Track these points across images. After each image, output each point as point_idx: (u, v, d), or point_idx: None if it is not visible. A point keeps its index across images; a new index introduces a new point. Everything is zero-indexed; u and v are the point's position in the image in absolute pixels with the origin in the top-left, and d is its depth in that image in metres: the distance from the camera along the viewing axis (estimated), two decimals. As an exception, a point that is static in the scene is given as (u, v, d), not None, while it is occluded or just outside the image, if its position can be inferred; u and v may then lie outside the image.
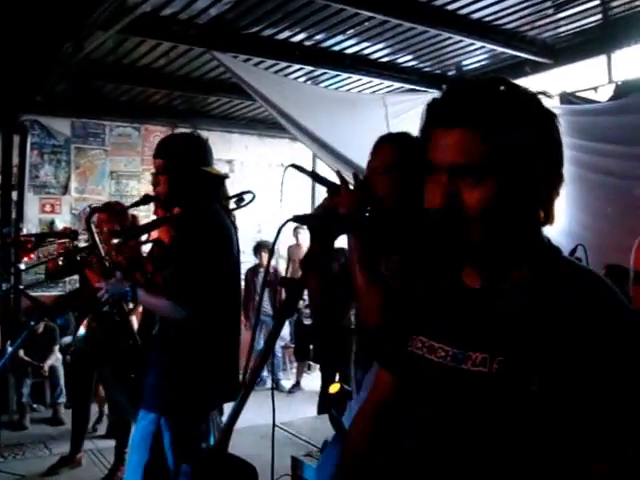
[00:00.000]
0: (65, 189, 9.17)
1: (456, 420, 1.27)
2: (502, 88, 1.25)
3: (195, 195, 2.93)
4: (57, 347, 7.37)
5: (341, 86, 8.28)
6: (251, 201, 2.88)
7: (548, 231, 1.34)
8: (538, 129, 1.23)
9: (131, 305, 3.29)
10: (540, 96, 1.28)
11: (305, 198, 10.88)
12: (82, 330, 4.53)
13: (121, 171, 9.51)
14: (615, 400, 1.13)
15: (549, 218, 1.30)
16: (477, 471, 1.24)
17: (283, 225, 1.26)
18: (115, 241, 3.52)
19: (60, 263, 3.96)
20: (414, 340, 1.40)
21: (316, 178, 2.29)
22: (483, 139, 1.19)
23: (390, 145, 2.33)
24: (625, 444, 1.13)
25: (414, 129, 1.33)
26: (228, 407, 2.77)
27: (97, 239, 3.31)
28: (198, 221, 2.87)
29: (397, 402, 1.49)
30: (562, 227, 5.94)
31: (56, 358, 7.36)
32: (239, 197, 3.03)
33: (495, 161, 1.19)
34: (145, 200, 3.25)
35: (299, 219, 1.49)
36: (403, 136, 2.35)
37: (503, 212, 1.22)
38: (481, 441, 1.23)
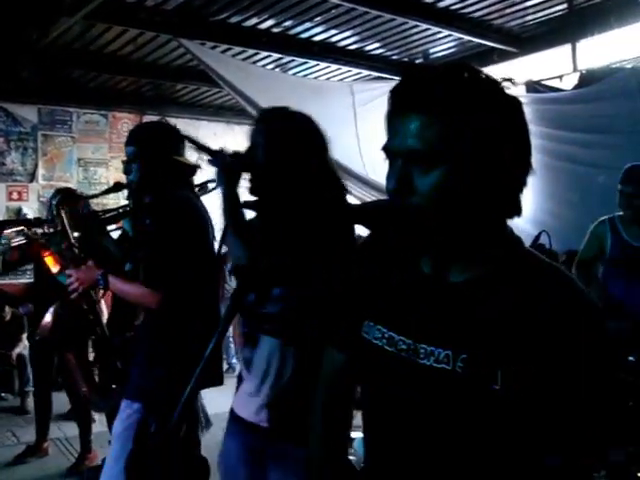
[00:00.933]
0: (32, 176, 9.07)
1: (414, 417, 1.26)
2: (461, 73, 1.19)
3: (166, 183, 2.93)
4: (25, 335, 7.31)
5: (309, 74, 8.29)
6: (214, 189, 2.88)
7: (514, 218, 1.26)
8: (500, 115, 1.18)
9: (101, 292, 3.27)
10: (505, 83, 1.21)
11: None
12: (48, 317, 4.50)
13: (89, 158, 9.42)
14: (573, 397, 1.13)
15: (515, 209, 1.25)
16: (435, 467, 1.24)
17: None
18: (76, 234, 3.50)
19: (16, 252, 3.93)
20: (371, 328, 1.36)
21: (199, 146, 2.47)
22: (437, 124, 1.15)
23: (265, 118, 2.41)
24: (579, 439, 1.14)
25: (381, 117, 1.26)
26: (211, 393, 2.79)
27: (67, 225, 3.28)
28: (169, 208, 2.87)
29: (350, 381, 1.50)
30: (527, 214, 6.00)
31: (24, 346, 7.30)
32: (202, 186, 3.03)
33: (449, 147, 1.15)
34: (116, 188, 3.23)
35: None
36: (281, 110, 2.42)
37: (457, 200, 1.17)
38: (439, 439, 1.22)
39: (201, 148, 2.46)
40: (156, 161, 2.94)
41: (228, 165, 2.30)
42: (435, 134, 1.15)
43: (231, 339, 9.10)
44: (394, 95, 1.21)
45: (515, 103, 1.21)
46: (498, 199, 1.21)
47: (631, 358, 3.57)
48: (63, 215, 3.30)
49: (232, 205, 2.26)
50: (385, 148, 1.23)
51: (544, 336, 1.12)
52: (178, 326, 2.85)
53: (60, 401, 5.66)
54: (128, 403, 2.91)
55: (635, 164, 4.13)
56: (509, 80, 1.22)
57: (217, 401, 3.19)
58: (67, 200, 4.11)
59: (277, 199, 2.26)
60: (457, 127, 1.15)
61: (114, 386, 3.53)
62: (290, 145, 2.25)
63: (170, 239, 2.73)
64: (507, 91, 1.20)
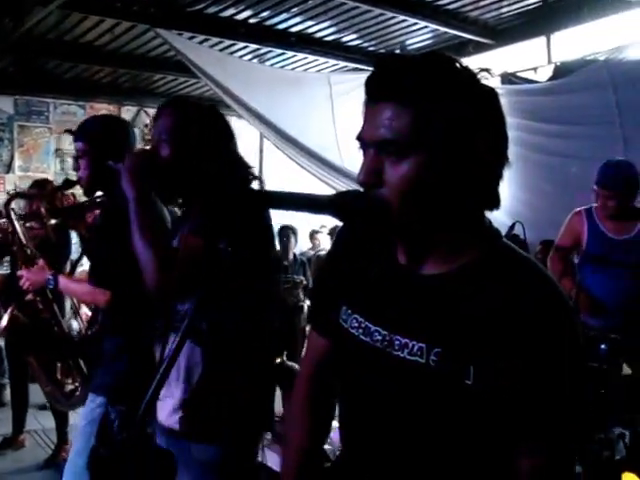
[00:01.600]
0: (8, 167, 9.01)
1: (387, 408, 1.25)
2: (435, 62, 1.16)
3: (116, 179, 2.91)
4: None
5: (286, 65, 8.29)
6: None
7: (492, 210, 1.22)
8: (474, 105, 1.15)
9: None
10: (482, 74, 1.18)
11: (254, 155, 10.86)
12: (4, 320, 4.46)
13: (66, 149, 9.33)
14: (545, 391, 1.13)
15: (493, 201, 1.22)
16: (407, 458, 1.24)
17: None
18: (53, 222, 3.50)
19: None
20: (349, 317, 1.35)
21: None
22: (409, 114, 1.12)
23: (168, 112, 2.28)
24: (554, 433, 1.14)
25: (358, 108, 1.24)
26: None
27: (17, 226, 3.25)
28: (117, 204, 2.84)
29: (333, 364, 1.46)
30: (503, 205, 6.07)
31: (-1, 339, 7.26)
32: None
33: (421, 137, 1.12)
34: (67, 184, 3.19)
35: None
36: (183, 102, 2.34)
37: (428, 191, 1.15)
38: (411, 430, 1.22)
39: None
40: (105, 157, 2.89)
41: (133, 162, 2.21)
42: (406, 124, 1.12)
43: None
44: (367, 84, 1.19)
45: (491, 94, 1.18)
46: (472, 191, 1.18)
47: (603, 347, 3.63)
48: (13, 216, 3.28)
49: (142, 203, 2.16)
50: (359, 137, 1.21)
51: (518, 331, 1.11)
52: (132, 322, 2.84)
53: (37, 392, 5.64)
54: (92, 397, 2.91)
55: (609, 162, 4.14)
56: (486, 70, 1.20)
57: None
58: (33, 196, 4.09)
59: (184, 193, 2.25)
60: (428, 117, 1.13)
61: (77, 384, 3.53)
62: (191, 139, 2.19)
63: (116, 236, 2.69)
64: (483, 82, 1.18)
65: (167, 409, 2.19)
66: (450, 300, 1.19)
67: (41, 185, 4.99)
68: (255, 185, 2.31)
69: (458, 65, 1.17)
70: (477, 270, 1.19)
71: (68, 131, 2.37)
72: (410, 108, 1.13)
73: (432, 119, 1.13)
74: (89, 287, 2.83)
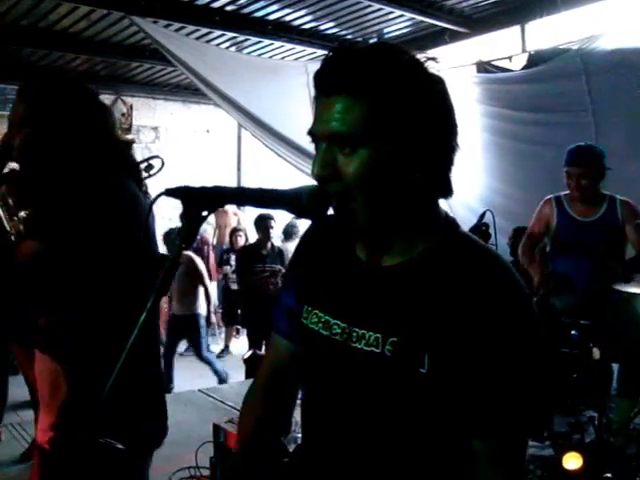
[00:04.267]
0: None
1: (346, 399, 1.26)
2: (382, 54, 1.17)
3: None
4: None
5: (264, 53, 8.29)
6: (160, 169, 2.81)
7: (463, 198, 1.26)
8: (421, 95, 1.16)
9: None
10: (429, 62, 1.19)
11: (231, 164, 10.88)
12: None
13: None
14: (496, 381, 1.14)
15: (445, 190, 1.24)
16: (366, 448, 1.25)
17: (155, 198, 1.19)
18: (23, 213, 3.46)
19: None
20: (309, 313, 1.36)
21: None
22: (359, 106, 1.14)
23: (20, 95, 2.03)
24: (506, 419, 1.16)
25: None
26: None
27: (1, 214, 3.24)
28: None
29: (293, 366, 1.47)
30: (476, 193, 6.14)
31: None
32: (148, 164, 2.95)
33: (372, 129, 1.14)
34: None
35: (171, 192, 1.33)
36: (32, 83, 2.05)
37: (382, 182, 1.16)
38: (369, 420, 1.23)
39: None
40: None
41: None
42: (359, 116, 1.14)
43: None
44: (317, 78, 1.20)
45: (438, 83, 1.19)
46: (425, 180, 1.19)
47: (574, 332, 3.69)
48: None
49: None
50: (310, 132, 1.22)
51: (471, 319, 1.13)
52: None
53: (15, 384, 5.61)
54: None
55: (579, 145, 4.23)
56: (432, 59, 1.21)
57: (176, 380, 3.19)
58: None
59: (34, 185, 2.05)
60: (378, 108, 1.14)
61: None
62: (50, 123, 1.93)
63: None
64: (430, 70, 1.19)
65: (41, 425, 2.03)
66: (405, 290, 1.21)
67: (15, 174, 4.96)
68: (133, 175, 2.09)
69: (406, 55, 1.18)
70: (431, 259, 1.21)
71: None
72: (362, 100, 1.14)
73: (383, 110, 1.14)
74: None
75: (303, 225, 1.68)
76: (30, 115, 1.94)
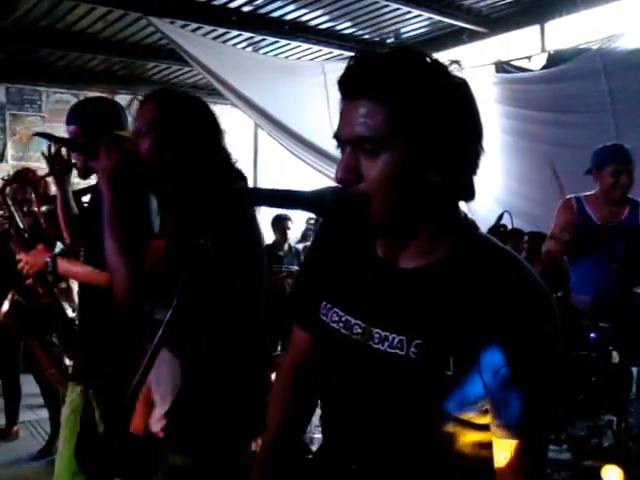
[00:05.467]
0: (1, 157, 8.98)
1: (368, 400, 1.26)
2: (406, 58, 1.18)
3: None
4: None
5: (280, 53, 8.27)
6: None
7: (481, 199, 1.27)
8: (445, 98, 1.16)
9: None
10: (452, 66, 1.20)
11: (247, 164, 10.87)
12: (6, 305, 4.47)
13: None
14: (520, 380, 1.15)
15: (468, 193, 1.25)
16: (387, 449, 1.26)
17: None
18: (44, 208, 3.48)
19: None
20: (329, 311, 1.37)
21: (61, 141, 2.43)
22: (383, 110, 1.14)
23: (150, 103, 2.17)
24: (528, 419, 1.16)
25: None
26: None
27: (13, 211, 3.26)
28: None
29: (314, 360, 1.47)
30: (494, 195, 6.10)
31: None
32: None
33: (395, 133, 1.14)
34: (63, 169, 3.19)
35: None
36: (165, 92, 2.22)
37: (405, 185, 1.17)
38: (392, 422, 1.24)
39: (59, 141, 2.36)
40: (99, 138, 2.87)
41: (109, 161, 2.12)
42: (382, 120, 1.15)
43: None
44: (341, 83, 1.20)
45: (462, 86, 1.20)
46: (448, 183, 1.19)
47: (593, 335, 3.65)
48: (8, 201, 3.28)
49: (115, 204, 2.08)
50: (335, 136, 1.23)
51: (494, 320, 1.13)
52: (114, 309, 2.83)
53: (31, 383, 5.64)
54: (73, 386, 2.92)
55: (613, 143, 4.19)
56: (456, 62, 1.21)
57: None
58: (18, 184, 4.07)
59: (163, 189, 2.16)
60: (401, 113, 1.14)
61: None
62: (173, 132, 2.08)
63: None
64: (455, 73, 1.19)
65: (155, 416, 2.13)
66: (428, 293, 1.21)
67: (22, 174, 4.97)
68: (240, 182, 2.18)
69: (428, 59, 1.18)
70: (454, 262, 1.21)
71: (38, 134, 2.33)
72: (385, 105, 1.15)
73: (406, 114, 1.14)
74: (89, 268, 2.82)
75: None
76: (158, 121, 2.08)
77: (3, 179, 3.85)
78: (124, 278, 2.02)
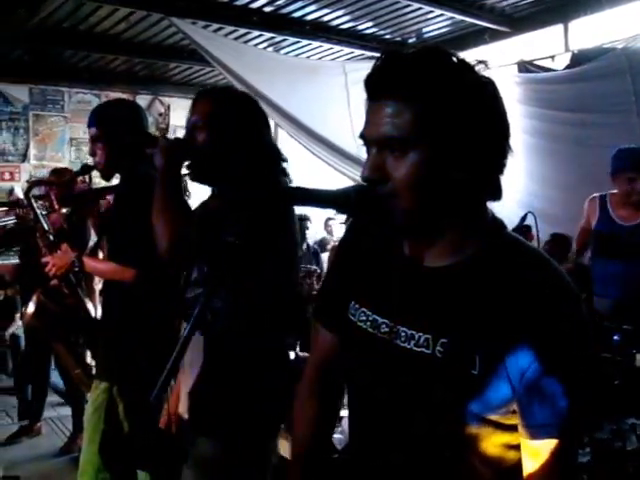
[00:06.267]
0: (24, 156, 9.06)
1: (395, 399, 1.26)
2: (432, 58, 1.18)
3: (132, 162, 2.91)
4: (18, 315, 7.30)
5: (301, 53, 8.27)
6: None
7: (502, 200, 1.24)
8: (472, 98, 1.16)
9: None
10: (479, 66, 1.20)
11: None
12: (31, 307, 4.51)
13: (81, 138, 9.36)
14: (548, 381, 1.14)
15: (495, 193, 1.25)
16: (413, 449, 1.25)
17: None
18: (64, 210, 3.51)
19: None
20: (357, 310, 1.37)
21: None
22: (409, 110, 1.15)
23: (206, 98, 2.29)
24: (559, 420, 1.15)
25: None
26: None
27: (38, 213, 3.30)
28: (137, 187, 2.85)
29: (340, 360, 1.47)
30: (515, 196, 6.04)
31: (17, 326, 7.29)
32: None
33: (422, 133, 1.15)
34: (84, 170, 3.22)
35: None
36: (221, 90, 2.39)
37: (431, 186, 1.18)
38: (418, 421, 1.23)
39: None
40: (121, 140, 2.90)
41: (168, 142, 2.25)
42: (408, 120, 1.15)
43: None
44: (367, 82, 1.21)
45: (489, 85, 1.20)
46: (475, 183, 1.20)
47: (616, 337, 3.61)
48: (33, 203, 3.31)
49: (168, 174, 2.19)
50: (362, 136, 1.24)
51: (522, 321, 1.13)
52: (140, 306, 2.85)
53: (55, 380, 5.68)
54: (96, 383, 2.93)
55: (631, 147, 4.16)
56: (483, 62, 1.22)
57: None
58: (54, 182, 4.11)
59: (217, 184, 2.24)
60: (429, 112, 1.15)
61: None
62: (228, 125, 2.19)
63: (140, 218, 2.69)
64: (482, 73, 1.19)
65: (182, 398, 2.22)
66: (455, 291, 1.21)
67: (59, 173, 5.02)
68: (284, 179, 2.30)
69: (455, 59, 1.19)
70: (481, 262, 1.21)
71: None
72: (410, 104, 1.15)
73: (433, 114, 1.15)
74: (115, 265, 2.86)
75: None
76: (214, 115, 2.19)
77: (28, 181, 3.88)
78: (164, 234, 2.12)
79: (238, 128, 2.18)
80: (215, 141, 2.17)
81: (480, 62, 1.22)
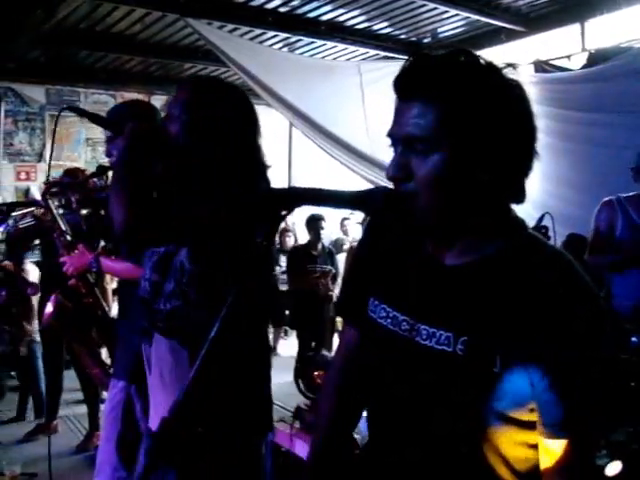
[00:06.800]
0: (40, 156, 9.11)
1: (415, 397, 1.27)
2: (460, 59, 1.19)
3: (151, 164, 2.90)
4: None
5: (316, 53, 8.27)
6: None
7: (519, 203, 1.25)
8: (498, 100, 1.17)
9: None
10: (507, 69, 1.21)
11: (282, 164, 10.90)
12: (50, 307, 4.52)
13: (97, 138, 9.40)
14: (569, 380, 1.15)
15: (519, 194, 1.25)
16: (433, 446, 1.26)
17: None
18: (84, 212, 3.53)
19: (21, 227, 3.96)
20: (377, 307, 1.38)
21: (93, 118, 2.36)
22: (435, 111, 1.16)
23: (187, 87, 2.14)
24: (577, 419, 1.16)
25: (389, 97, 1.28)
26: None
27: (56, 214, 3.31)
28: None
29: (363, 356, 1.48)
30: (531, 198, 5.99)
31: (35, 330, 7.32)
32: None
33: (447, 133, 1.16)
34: (100, 171, 3.24)
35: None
36: (205, 79, 2.25)
37: (455, 186, 1.19)
38: (438, 419, 1.24)
39: (99, 121, 2.38)
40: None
41: (134, 129, 2.09)
42: (433, 121, 1.16)
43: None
44: (395, 82, 1.23)
45: (516, 88, 1.21)
46: (498, 184, 1.20)
47: (634, 339, 3.58)
48: (51, 204, 3.33)
49: (127, 165, 2.04)
50: (389, 134, 1.25)
51: (543, 320, 1.13)
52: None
53: (71, 378, 5.72)
54: (114, 382, 2.94)
55: None
56: (511, 65, 1.23)
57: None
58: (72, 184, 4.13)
59: (189, 179, 2.08)
60: (455, 113, 1.16)
61: None
62: (206, 120, 2.02)
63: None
64: (509, 76, 1.20)
65: (155, 417, 2.08)
66: (476, 290, 1.22)
67: (73, 174, 5.05)
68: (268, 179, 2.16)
69: (483, 61, 1.20)
70: (502, 261, 1.22)
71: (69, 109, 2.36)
72: (436, 106, 1.17)
73: (458, 116, 1.16)
74: (131, 265, 2.87)
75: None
76: (191, 105, 2.03)
77: (45, 183, 3.91)
78: (117, 215, 1.96)
79: (215, 121, 2.03)
80: (188, 132, 2.02)
81: (508, 65, 1.22)
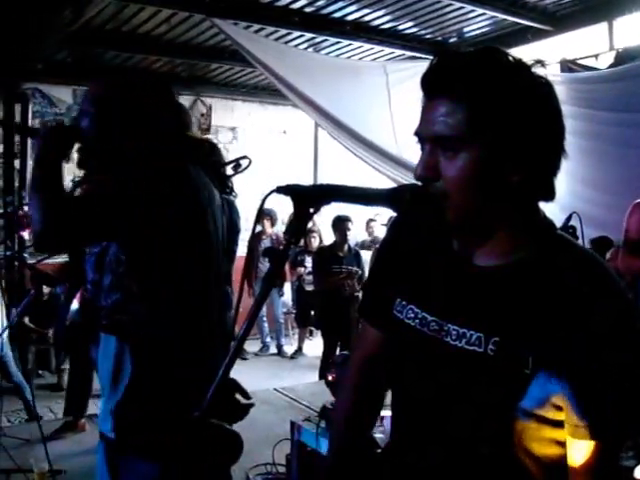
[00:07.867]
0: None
1: (444, 397, 1.27)
2: (489, 58, 1.19)
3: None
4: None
5: (342, 53, 8.26)
6: (247, 167, 2.87)
7: (547, 202, 1.26)
8: (528, 99, 1.16)
9: None
10: (536, 67, 1.20)
11: (308, 164, 10.91)
12: (75, 304, 4.55)
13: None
14: (601, 380, 1.14)
15: (548, 194, 1.24)
16: (460, 448, 1.26)
17: (267, 196, 1.21)
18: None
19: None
20: (404, 308, 1.37)
21: (20, 130, 2.35)
22: (463, 110, 1.15)
23: (98, 82, 2.14)
24: (610, 420, 1.16)
25: (415, 97, 1.28)
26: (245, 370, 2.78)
27: None
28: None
29: (385, 357, 1.47)
30: (557, 198, 5.93)
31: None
32: (236, 163, 3.02)
33: (475, 132, 1.15)
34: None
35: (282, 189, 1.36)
36: (118, 74, 2.20)
37: (483, 185, 1.18)
38: (468, 419, 1.24)
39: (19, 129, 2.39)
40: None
41: (47, 130, 2.09)
42: (461, 119, 1.16)
43: (264, 318, 9.22)
44: (423, 80, 1.22)
45: (545, 86, 1.19)
46: (527, 183, 1.19)
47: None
48: None
49: (44, 165, 2.00)
50: (416, 133, 1.24)
51: (575, 322, 1.13)
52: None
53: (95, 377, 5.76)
54: None
55: None
56: (540, 62, 1.21)
57: (252, 379, 3.22)
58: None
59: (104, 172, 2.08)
60: (483, 112, 1.15)
61: None
62: (117, 114, 2.01)
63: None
64: (538, 73, 1.19)
65: (103, 414, 2.06)
66: (507, 291, 1.22)
67: None
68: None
69: (512, 59, 1.19)
70: (533, 262, 1.21)
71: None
72: (464, 104, 1.16)
73: (486, 114, 1.15)
74: None
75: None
76: (102, 100, 2.03)
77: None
78: (34, 215, 1.94)
79: (127, 114, 2.01)
80: (99, 127, 2.01)
81: (537, 62, 1.21)
